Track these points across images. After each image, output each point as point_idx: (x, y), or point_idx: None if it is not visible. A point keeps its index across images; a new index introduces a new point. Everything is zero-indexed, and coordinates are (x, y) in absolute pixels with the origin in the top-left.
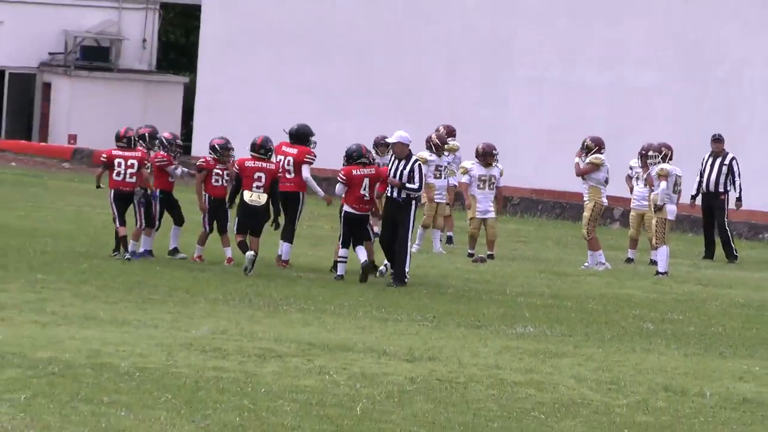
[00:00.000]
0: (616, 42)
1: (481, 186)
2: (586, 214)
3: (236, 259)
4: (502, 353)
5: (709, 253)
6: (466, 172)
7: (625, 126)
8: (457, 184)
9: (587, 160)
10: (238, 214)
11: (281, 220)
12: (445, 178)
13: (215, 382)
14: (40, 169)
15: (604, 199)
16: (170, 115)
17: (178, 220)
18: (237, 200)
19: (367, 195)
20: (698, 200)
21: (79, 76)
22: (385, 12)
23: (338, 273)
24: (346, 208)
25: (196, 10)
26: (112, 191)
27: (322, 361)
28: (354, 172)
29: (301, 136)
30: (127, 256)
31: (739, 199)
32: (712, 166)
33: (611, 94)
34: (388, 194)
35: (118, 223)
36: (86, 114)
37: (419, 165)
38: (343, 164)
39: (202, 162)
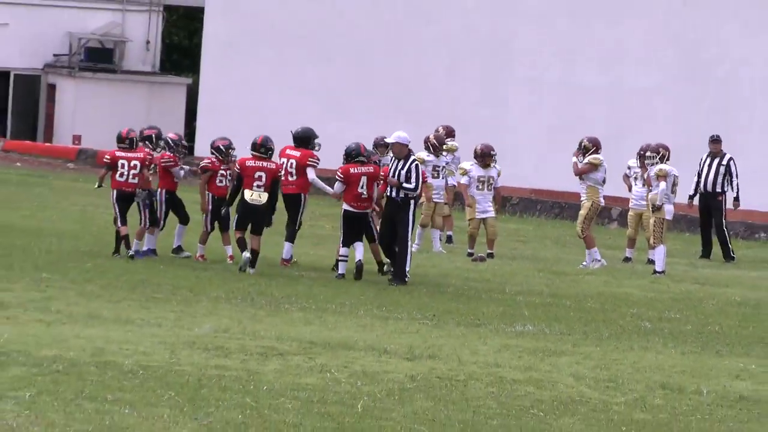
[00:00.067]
0: (616, 42)
1: (480, 187)
2: (583, 212)
3: (237, 257)
4: (502, 351)
5: (706, 253)
6: (465, 173)
7: (625, 126)
8: (456, 184)
9: (586, 160)
10: (238, 212)
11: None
12: (442, 178)
13: (218, 380)
14: (45, 169)
15: (601, 199)
16: (173, 116)
17: (183, 219)
18: (237, 199)
19: (365, 193)
20: (695, 200)
21: (84, 77)
22: (386, 12)
23: (339, 272)
24: (344, 206)
25: (199, 12)
26: (115, 192)
27: (324, 359)
28: (351, 170)
29: (304, 139)
30: (131, 253)
31: (736, 199)
32: (710, 166)
33: (611, 94)
34: (388, 194)
35: (119, 222)
36: (90, 115)
37: (416, 165)
38: (343, 163)
39: (207, 163)
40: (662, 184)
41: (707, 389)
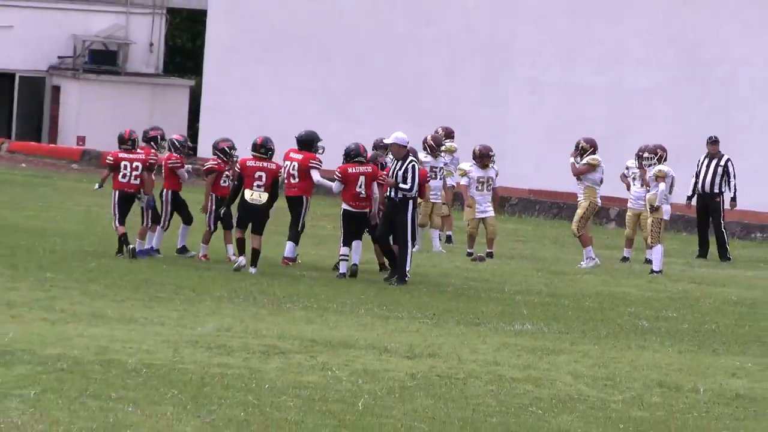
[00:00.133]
0: (615, 42)
1: (480, 187)
2: (580, 212)
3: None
4: (501, 350)
5: (703, 252)
6: (465, 174)
7: (624, 126)
8: (455, 184)
9: (584, 161)
10: (239, 211)
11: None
12: (440, 179)
13: (220, 378)
14: (50, 170)
15: (598, 199)
16: (176, 118)
17: (187, 220)
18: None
19: (363, 193)
20: (693, 201)
21: (88, 79)
22: (386, 12)
23: (341, 271)
24: (343, 206)
25: (202, 14)
26: (117, 192)
27: (325, 357)
28: (350, 170)
29: (307, 142)
30: (131, 246)
31: (733, 200)
32: (708, 167)
33: (611, 95)
34: (387, 194)
35: (117, 222)
36: (94, 116)
37: (413, 166)
38: (342, 163)
39: (213, 165)
40: (661, 185)
41: (704, 387)
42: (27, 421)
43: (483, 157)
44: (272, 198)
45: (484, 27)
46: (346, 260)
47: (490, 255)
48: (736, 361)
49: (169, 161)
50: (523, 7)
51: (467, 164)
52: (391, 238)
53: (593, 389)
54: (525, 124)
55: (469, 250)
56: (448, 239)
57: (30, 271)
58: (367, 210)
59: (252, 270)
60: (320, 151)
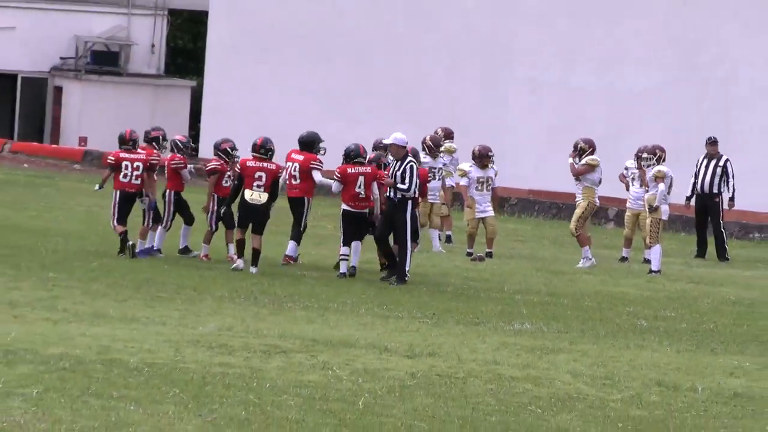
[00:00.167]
0: (615, 42)
1: (479, 187)
2: (578, 211)
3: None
4: (500, 349)
5: (701, 252)
6: (464, 174)
7: (624, 126)
8: (454, 185)
9: (583, 162)
10: (239, 211)
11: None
12: (438, 179)
13: (221, 378)
14: (52, 170)
15: (597, 199)
16: (178, 118)
17: (188, 220)
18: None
19: (362, 193)
20: (692, 201)
21: (90, 80)
22: (386, 12)
23: (341, 271)
24: (343, 206)
25: (204, 15)
26: (118, 192)
27: (326, 356)
28: (349, 170)
29: (309, 143)
30: (131, 242)
31: (731, 199)
32: (706, 167)
33: (611, 95)
34: (387, 194)
35: (116, 221)
36: (96, 117)
37: (411, 166)
38: (342, 164)
39: (216, 165)
40: (661, 186)
41: (702, 386)
42: (29, 420)
43: (482, 158)
44: (272, 198)
45: (484, 27)
46: (347, 260)
47: (489, 255)
48: (734, 361)
49: (173, 162)
50: (523, 7)
51: (467, 165)
52: (392, 238)
53: (592, 388)
54: (525, 124)
55: (468, 250)
56: (448, 239)
57: (32, 270)
58: (367, 210)
59: (253, 270)
60: (322, 152)
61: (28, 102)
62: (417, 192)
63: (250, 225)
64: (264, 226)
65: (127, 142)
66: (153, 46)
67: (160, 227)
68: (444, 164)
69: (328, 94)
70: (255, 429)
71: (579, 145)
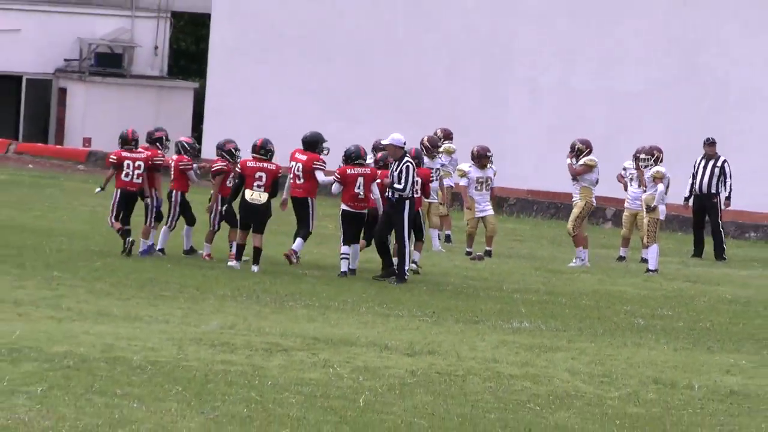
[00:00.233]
0: (615, 43)
1: (479, 187)
2: (576, 211)
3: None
4: (499, 347)
5: (698, 252)
6: (464, 174)
7: (624, 126)
8: (453, 185)
9: (581, 162)
10: (240, 211)
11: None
12: (436, 179)
13: (224, 375)
14: (56, 171)
15: (594, 200)
16: (181, 120)
17: (190, 221)
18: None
19: (362, 194)
20: (690, 201)
21: (94, 81)
22: (386, 13)
23: (342, 270)
24: (342, 206)
25: (206, 18)
26: (119, 191)
27: (327, 354)
28: (348, 171)
29: (312, 143)
30: (131, 239)
31: (728, 198)
32: (704, 168)
33: (611, 95)
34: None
35: (113, 218)
36: (100, 118)
37: (407, 167)
38: (342, 164)
39: (222, 166)
40: (660, 186)
41: (699, 384)
42: (34, 418)
43: (481, 158)
44: (272, 196)
45: (484, 27)
46: (347, 259)
47: (488, 253)
48: (730, 359)
49: (181, 163)
50: (523, 7)
51: (466, 165)
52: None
53: (590, 386)
54: (525, 125)
55: (468, 250)
56: (447, 239)
57: (37, 270)
58: (366, 210)
59: (254, 268)
60: (325, 152)
61: (32, 103)
62: (419, 192)
63: (251, 226)
64: (264, 225)
65: (129, 141)
66: (156, 48)
67: (164, 227)
68: (442, 165)
69: (328, 94)
70: (257, 426)
71: (576, 146)
